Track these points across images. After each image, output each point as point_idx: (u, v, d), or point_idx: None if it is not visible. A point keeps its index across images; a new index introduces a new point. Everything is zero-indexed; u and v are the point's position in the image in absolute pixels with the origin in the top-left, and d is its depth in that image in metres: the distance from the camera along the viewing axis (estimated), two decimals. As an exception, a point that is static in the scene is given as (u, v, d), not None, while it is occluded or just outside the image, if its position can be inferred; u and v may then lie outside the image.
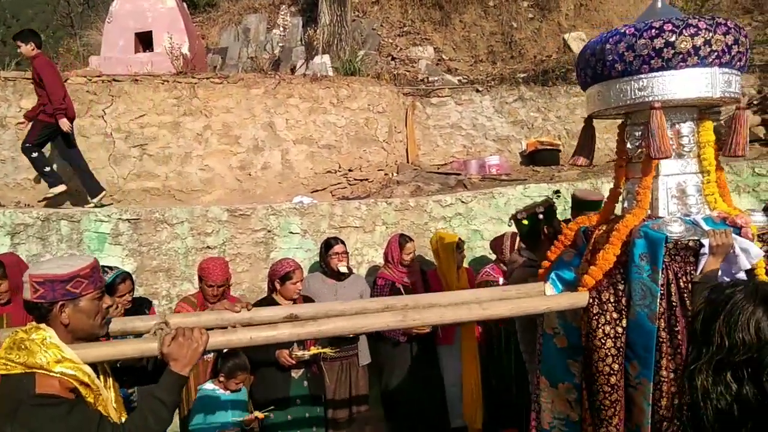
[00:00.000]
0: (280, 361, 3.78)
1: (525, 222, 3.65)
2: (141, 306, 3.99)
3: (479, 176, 7.67)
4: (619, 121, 2.94)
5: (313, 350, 3.76)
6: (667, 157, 2.50)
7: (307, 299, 4.20)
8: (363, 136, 7.29)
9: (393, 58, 8.96)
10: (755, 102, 7.91)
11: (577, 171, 7.47)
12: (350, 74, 7.89)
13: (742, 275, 2.40)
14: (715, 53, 2.38)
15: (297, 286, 4.01)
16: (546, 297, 2.64)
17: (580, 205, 4.19)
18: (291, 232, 5.10)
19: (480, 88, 8.39)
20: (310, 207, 5.19)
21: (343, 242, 4.56)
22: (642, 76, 2.46)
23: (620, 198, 2.90)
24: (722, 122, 3.18)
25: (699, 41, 2.35)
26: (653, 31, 2.38)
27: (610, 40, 2.52)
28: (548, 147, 8.14)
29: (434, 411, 4.54)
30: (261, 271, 5.03)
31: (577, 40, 9.12)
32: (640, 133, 2.64)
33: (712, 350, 1.28)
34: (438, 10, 9.48)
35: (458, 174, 7.57)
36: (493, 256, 4.90)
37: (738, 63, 2.49)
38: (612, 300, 2.48)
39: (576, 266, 2.73)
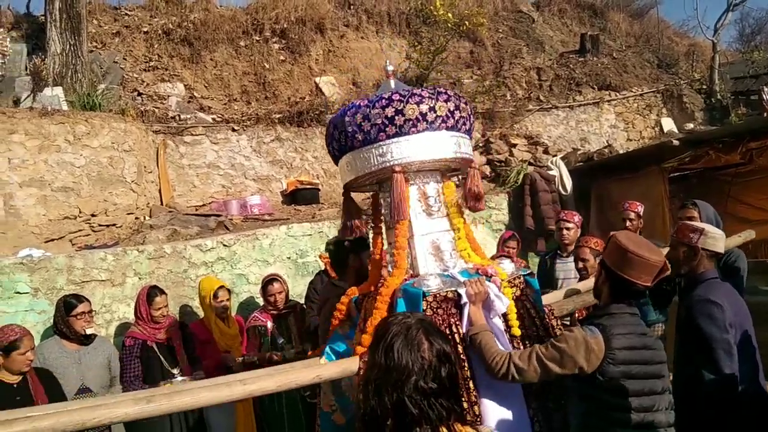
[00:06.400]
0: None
1: (331, 248, 3.60)
2: None
3: (241, 217, 7.46)
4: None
5: None
6: (403, 219, 2.63)
7: (44, 372, 3.58)
8: (107, 177, 6.57)
9: (139, 94, 8.32)
10: (480, 144, 9.14)
11: (337, 209, 7.75)
12: (89, 109, 7.09)
13: (498, 321, 2.59)
14: (441, 118, 2.61)
15: (27, 357, 3.41)
16: (315, 367, 2.52)
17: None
18: (18, 293, 4.25)
19: (236, 127, 8.23)
20: (41, 261, 4.39)
21: (87, 300, 3.97)
22: (381, 143, 2.60)
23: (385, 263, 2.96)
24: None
25: (425, 108, 2.56)
26: (383, 101, 2.56)
27: (348, 112, 2.65)
28: (308, 186, 8.31)
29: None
30: (-20, 344, 4.09)
31: (327, 84, 9.55)
32: (390, 199, 2.73)
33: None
34: (187, 46, 9.10)
35: (218, 215, 7.26)
36: (261, 300, 4.75)
37: (463, 127, 2.75)
38: None
39: (351, 338, 2.69)
